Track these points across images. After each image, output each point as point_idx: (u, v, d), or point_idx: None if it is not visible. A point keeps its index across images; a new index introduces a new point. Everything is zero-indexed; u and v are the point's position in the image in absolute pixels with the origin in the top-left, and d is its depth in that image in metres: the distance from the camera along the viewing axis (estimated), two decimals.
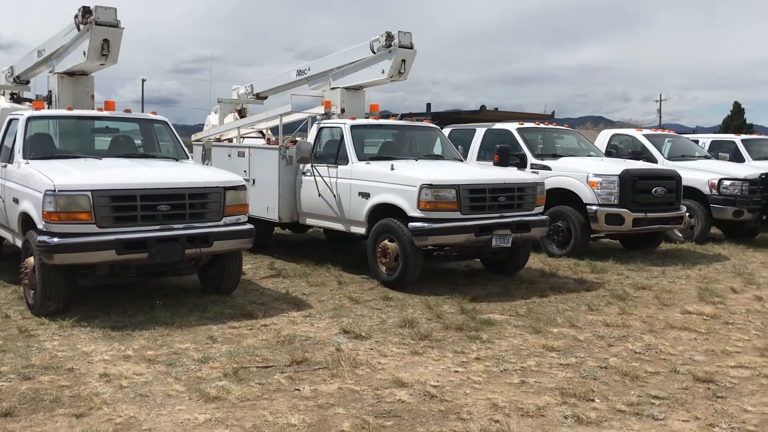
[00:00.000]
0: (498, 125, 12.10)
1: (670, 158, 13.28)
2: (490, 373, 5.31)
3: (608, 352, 5.90)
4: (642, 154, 12.98)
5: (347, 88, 10.20)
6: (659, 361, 5.65)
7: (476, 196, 8.12)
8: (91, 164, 7.38)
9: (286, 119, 10.70)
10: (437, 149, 10.07)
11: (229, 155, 10.80)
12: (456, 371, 5.33)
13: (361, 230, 8.82)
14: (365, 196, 8.59)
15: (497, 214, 8.22)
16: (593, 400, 4.76)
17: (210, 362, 5.42)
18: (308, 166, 9.34)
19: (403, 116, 11.74)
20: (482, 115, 13.79)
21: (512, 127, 11.72)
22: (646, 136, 13.89)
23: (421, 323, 6.69)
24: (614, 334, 6.40)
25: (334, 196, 9.05)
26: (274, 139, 11.71)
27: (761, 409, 4.67)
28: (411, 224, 7.87)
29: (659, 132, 15.28)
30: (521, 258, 9.12)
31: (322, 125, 9.86)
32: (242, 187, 7.38)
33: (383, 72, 9.48)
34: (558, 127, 12.43)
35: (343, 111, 10.08)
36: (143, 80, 64.02)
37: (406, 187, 8.04)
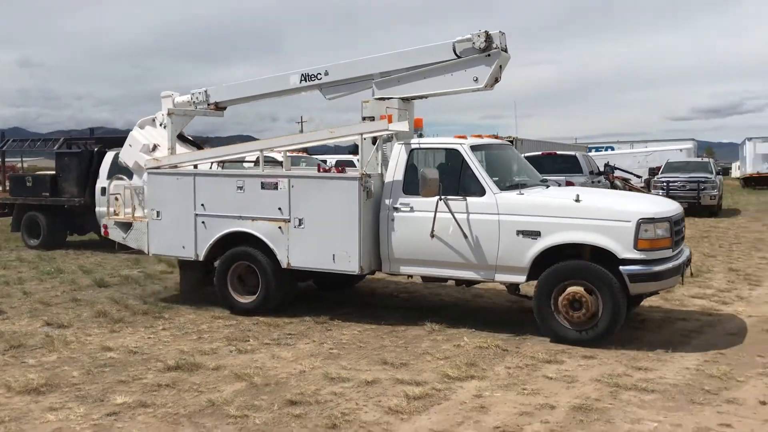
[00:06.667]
0: None
1: None
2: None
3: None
4: None
5: (404, 99, 8.29)
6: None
7: (677, 229, 7.16)
8: None
9: (333, 140, 8.71)
10: (530, 172, 8.54)
11: (240, 187, 8.29)
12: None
13: (519, 278, 7.20)
14: (531, 235, 6.99)
15: (679, 250, 7.33)
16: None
17: None
18: (405, 200, 7.64)
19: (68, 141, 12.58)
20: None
21: None
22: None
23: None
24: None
25: (465, 237, 7.29)
26: (327, 166, 10.56)
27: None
28: (626, 268, 6.61)
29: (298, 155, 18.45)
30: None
31: (414, 146, 7.90)
32: None
33: (476, 80, 7.75)
34: None
35: None
36: None
37: (613, 222, 6.72)
